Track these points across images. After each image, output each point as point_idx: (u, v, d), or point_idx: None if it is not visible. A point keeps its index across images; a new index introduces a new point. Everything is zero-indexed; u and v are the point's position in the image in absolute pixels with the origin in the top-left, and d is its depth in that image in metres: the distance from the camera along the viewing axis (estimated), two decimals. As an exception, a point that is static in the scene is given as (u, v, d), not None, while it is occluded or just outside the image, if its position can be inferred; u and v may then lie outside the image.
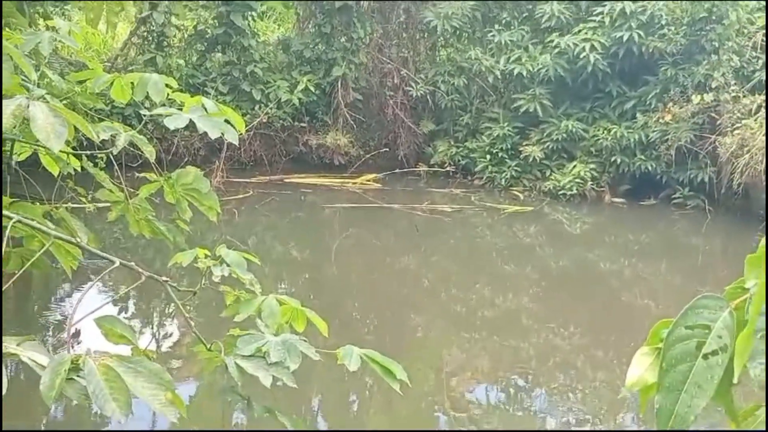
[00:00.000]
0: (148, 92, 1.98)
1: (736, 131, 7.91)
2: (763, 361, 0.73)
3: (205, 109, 1.96)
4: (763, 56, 8.68)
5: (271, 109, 9.71)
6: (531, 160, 9.38)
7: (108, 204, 2.18)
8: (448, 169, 10.06)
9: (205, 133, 1.91)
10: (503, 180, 9.53)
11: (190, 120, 1.92)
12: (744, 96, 8.29)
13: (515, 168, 9.53)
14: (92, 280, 3.25)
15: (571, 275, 6.54)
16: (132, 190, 2.20)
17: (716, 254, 7.53)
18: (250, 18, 10.03)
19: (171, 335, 4.55)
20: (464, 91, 10.09)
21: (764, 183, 7.43)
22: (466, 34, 10.34)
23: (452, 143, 10.17)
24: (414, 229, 7.63)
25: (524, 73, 9.44)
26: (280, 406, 2.00)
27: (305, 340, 1.86)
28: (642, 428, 3.57)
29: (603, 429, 3.61)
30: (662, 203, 8.89)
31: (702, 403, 0.76)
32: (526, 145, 9.49)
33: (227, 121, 1.96)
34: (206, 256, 1.98)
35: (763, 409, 0.83)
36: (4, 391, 1.32)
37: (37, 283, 4.77)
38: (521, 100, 9.61)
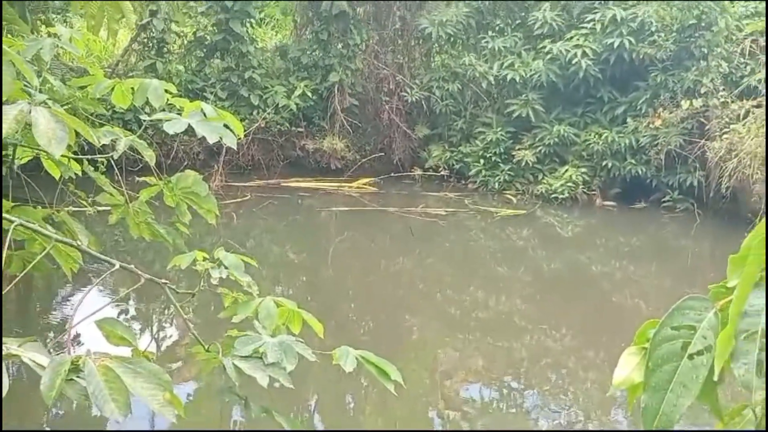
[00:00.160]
0: (148, 98, 2.01)
1: (725, 136, 8.04)
2: (747, 361, 0.73)
3: (204, 114, 1.99)
4: (752, 63, 8.82)
5: (268, 114, 9.76)
6: (524, 164, 9.47)
7: (108, 207, 2.20)
8: (442, 173, 10.13)
9: (204, 138, 1.93)
10: (496, 184, 9.61)
11: (189, 125, 1.94)
12: (732, 101, 8.42)
13: (508, 172, 9.61)
14: (93, 282, 3.26)
15: (563, 277, 6.61)
16: (132, 194, 2.22)
17: (705, 256, 7.62)
18: (248, 25, 10.12)
19: (170, 337, 4.57)
20: (458, 96, 10.18)
21: (751, 187, 7.55)
22: (460, 41, 10.44)
23: (446, 147, 10.25)
24: (409, 232, 7.67)
25: (517, 78, 9.54)
26: (277, 406, 2.02)
27: (302, 342, 1.88)
28: (631, 428, 3.62)
29: (593, 429, 3.66)
30: (652, 206, 9.00)
31: (687, 402, 0.76)
32: (519, 149, 9.58)
33: (226, 126, 1.99)
34: (204, 259, 2.01)
35: (750, 408, 0.84)
36: (5, 392, 1.34)
37: (39, 285, 4.77)
38: (514, 106, 9.71)
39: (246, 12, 9.80)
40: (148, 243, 2.44)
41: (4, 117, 1.55)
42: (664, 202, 8.88)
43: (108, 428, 3.25)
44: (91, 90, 2.05)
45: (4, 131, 1.51)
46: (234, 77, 9.78)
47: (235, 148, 5.34)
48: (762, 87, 8.20)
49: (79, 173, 2.21)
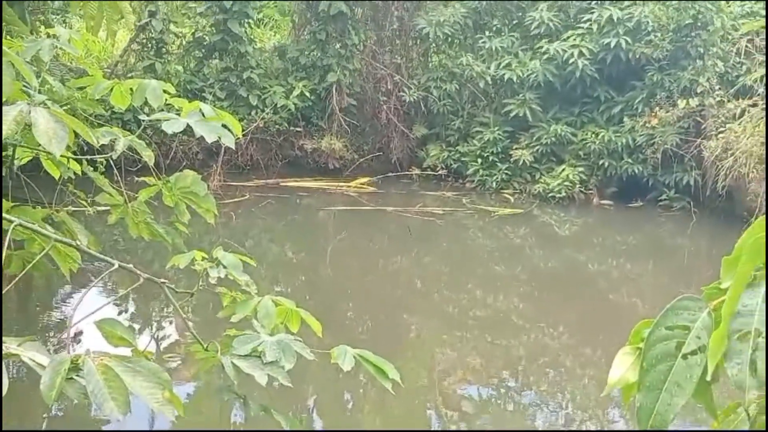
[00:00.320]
0: (146, 98, 2.01)
1: (721, 135, 8.07)
2: (740, 361, 0.73)
3: (203, 114, 2.00)
4: (747, 62, 8.86)
5: (267, 114, 9.77)
6: (521, 163, 9.49)
7: (108, 207, 2.20)
8: (440, 172, 10.15)
9: (203, 138, 1.94)
10: (494, 183, 9.63)
11: (188, 125, 1.95)
12: (728, 100, 8.46)
13: (505, 171, 9.63)
14: (92, 282, 3.26)
15: (560, 276, 6.64)
16: (131, 194, 2.23)
17: (701, 255, 7.66)
18: (246, 25, 10.14)
19: (169, 336, 4.58)
20: (456, 96, 10.20)
21: (747, 186, 7.59)
22: (457, 41, 10.45)
23: (444, 147, 10.27)
24: (407, 231, 7.69)
25: (514, 78, 9.57)
26: (276, 404, 2.03)
27: (300, 340, 1.89)
28: (629, 425, 3.65)
29: (591, 429, 3.68)
30: (649, 205, 9.03)
31: (681, 402, 0.77)
32: (516, 148, 9.60)
33: (224, 126, 2.00)
34: (203, 259, 2.01)
35: (743, 407, 0.85)
36: (4, 392, 1.34)
37: (38, 285, 4.77)
38: (511, 105, 9.73)
39: (244, 12, 9.82)
40: (147, 243, 2.45)
41: (3, 117, 1.55)
42: (661, 200, 8.92)
43: (108, 428, 3.25)
44: (90, 90, 2.05)
45: (3, 132, 1.52)
46: (232, 77, 9.79)
47: (234, 148, 5.35)
48: (757, 86, 8.24)
49: (79, 173, 2.21)
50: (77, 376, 1.35)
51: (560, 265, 7.00)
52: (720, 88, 8.66)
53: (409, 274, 6.63)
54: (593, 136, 9.26)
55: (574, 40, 9.37)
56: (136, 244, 5.56)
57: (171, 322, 4.73)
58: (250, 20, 10.22)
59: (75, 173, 2.20)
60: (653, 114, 8.89)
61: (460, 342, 4.91)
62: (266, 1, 12.43)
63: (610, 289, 6.41)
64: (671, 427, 0.77)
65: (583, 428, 3.72)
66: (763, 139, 7.47)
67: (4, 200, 1.95)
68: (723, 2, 9.25)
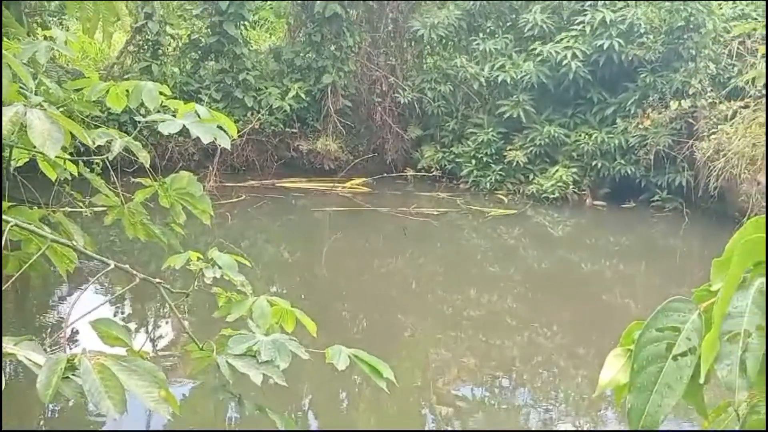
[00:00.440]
0: (143, 99, 2.02)
1: (713, 136, 8.15)
2: (730, 362, 0.73)
3: (198, 116, 2.01)
4: (739, 64, 8.96)
5: (262, 115, 9.78)
6: (515, 164, 9.54)
7: (104, 208, 2.21)
8: (434, 173, 10.18)
9: (199, 139, 1.95)
10: (488, 184, 9.67)
11: (184, 126, 1.96)
12: (720, 102, 8.55)
13: (499, 172, 9.68)
14: (89, 282, 3.26)
15: (553, 276, 6.68)
16: (127, 195, 2.24)
17: (693, 255, 7.73)
18: (242, 27, 10.16)
19: (165, 335, 4.57)
20: (450, 97, 10.23)
21: (739, 187, 7.67)
22: (451, 43, 10.49)
23: (439, 148, 10.30)
24: (402, 231, 7.71)
25: (508, 80, 9.62)
26: (271, 404, 2.04)
27: (295, 340, 1.90)
28: (621, 425, 3.68)
29: (582, 429, 3.72)
30: (641, 206, 9.10)
31: (672, 403, 0.77)
32: (510, 149, 9.65)
33: (220, 127, 2.01)
34: (199, 259, 2.02)
35: (733, 408, 0.85)
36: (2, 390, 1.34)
37: (35, 285, 4.75)
38: (505, 107, 9.78)
39: (240, 14, 9.82)
40: (144, 243, 2.45)
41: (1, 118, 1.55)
42: (653, 201, 8.99)
43: (105, 428, 3.25)
44: (86, 92, 2.06)
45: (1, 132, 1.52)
46: (228, 79, 9.79)
47: (230, 149, 5.34)
48: (749, 88, 8.33)
49: (75, 174, 2.22)
50: (73, 375, 1.36)
51: (554, 265, 7.04)
52: (712, 90, 8.74)
53: (404, 274, 6.65)
54: (586, 137, 9.33)
55: (568, 41, 9.43)
56: (133, 244, 5.54)
57: (167, 322, 4.73)
58: (246, 22, 10.23)
59: (72, 174, 2.20)
60: (646, 115, 8.96)
61: (454, 342, 4.94)
62: (262, 1, 12.42)
63: (603, 289, 6.46)
64: (662, 427, 0.78)
65: (576, 428, 3.76)
66: (755, 141, 7.55)
67: (1, 200, 1.95)
68: (715, 4, 9.34)
